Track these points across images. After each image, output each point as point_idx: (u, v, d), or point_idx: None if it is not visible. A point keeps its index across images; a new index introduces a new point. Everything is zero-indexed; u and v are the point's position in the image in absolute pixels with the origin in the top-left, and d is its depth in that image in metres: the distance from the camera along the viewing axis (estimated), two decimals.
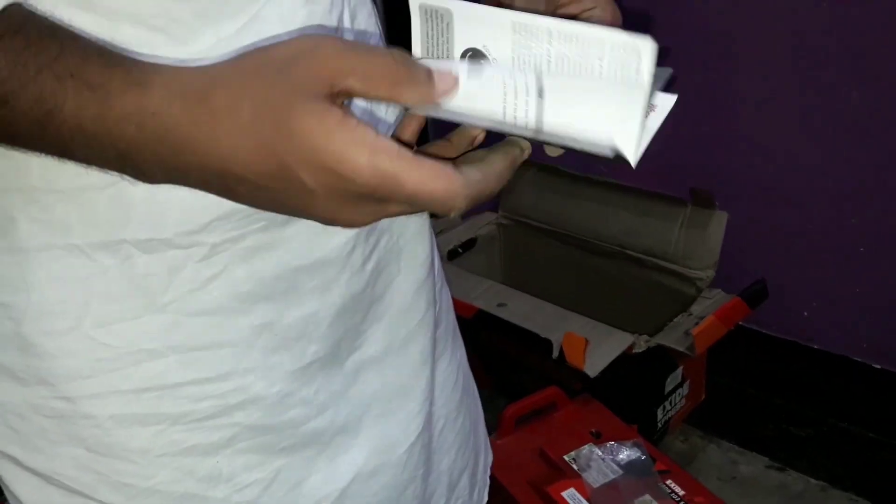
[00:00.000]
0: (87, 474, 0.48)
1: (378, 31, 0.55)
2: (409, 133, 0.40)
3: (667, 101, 0.39)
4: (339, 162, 0.32)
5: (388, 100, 0.34)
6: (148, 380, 0.47)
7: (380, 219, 0.36)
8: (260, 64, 0.34)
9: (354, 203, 0.34)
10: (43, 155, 0.37)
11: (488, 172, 0.36)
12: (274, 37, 0.42)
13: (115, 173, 0.37)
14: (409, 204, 0.34)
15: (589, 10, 0.48)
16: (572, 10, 0.48)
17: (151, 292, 0.45)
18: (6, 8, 0.34)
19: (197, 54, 0.40)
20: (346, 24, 0.49)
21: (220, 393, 0.49)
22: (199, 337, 0.47)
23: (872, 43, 1.29)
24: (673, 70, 0.40)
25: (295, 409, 0.53)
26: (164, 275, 0.45)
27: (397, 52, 0.34)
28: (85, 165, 0.37)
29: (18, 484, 0.50)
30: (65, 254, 0.43)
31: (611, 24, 0.47)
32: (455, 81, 0.35)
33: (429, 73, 0.34)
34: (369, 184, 0.32)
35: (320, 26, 0.46)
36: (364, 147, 0.32)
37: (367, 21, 0.53)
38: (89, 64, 0.34)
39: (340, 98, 0.33)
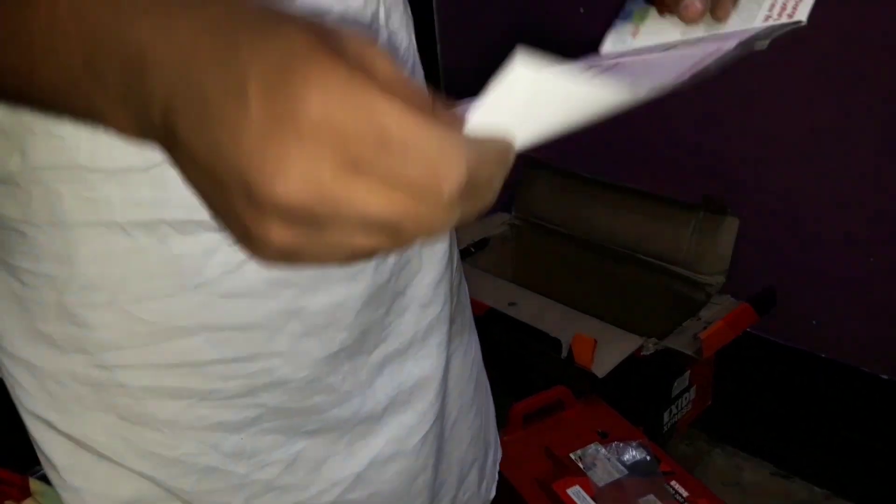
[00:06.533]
0: (117, 441, 0.50)
1: (410, 34, 0.57)
2: None
3: None
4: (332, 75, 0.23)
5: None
6: (179, 355, 0.48)
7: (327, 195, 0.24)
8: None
9: (308, 142, 0.23)
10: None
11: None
12: None
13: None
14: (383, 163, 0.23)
15: None
16: None
17: (186, 272, 0.47)
18: None
19: None
20: (381, 21, 0.51)
21: (247, 373, 0.51)
22: (230, 318, 0.49)
23: (889, 53, 1.30)
24: None
25: (320, 395, 0.54)
26: (198, 256, 0.46)
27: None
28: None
29: (52, 446, 0.52)
30: (106, 231, 0.45)
31: None
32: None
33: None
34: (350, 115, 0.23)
35: (355, 21, 0.48)
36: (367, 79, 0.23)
37: (399, 22, 0.54)
38: None
39: None
